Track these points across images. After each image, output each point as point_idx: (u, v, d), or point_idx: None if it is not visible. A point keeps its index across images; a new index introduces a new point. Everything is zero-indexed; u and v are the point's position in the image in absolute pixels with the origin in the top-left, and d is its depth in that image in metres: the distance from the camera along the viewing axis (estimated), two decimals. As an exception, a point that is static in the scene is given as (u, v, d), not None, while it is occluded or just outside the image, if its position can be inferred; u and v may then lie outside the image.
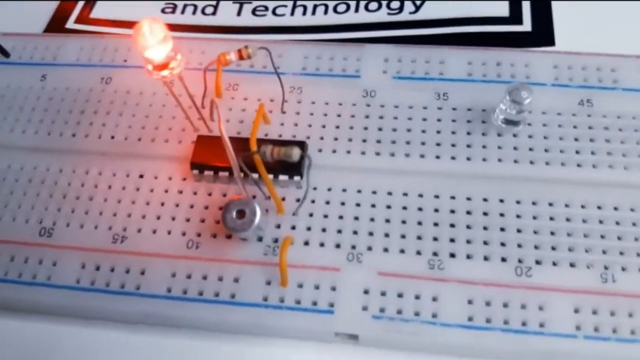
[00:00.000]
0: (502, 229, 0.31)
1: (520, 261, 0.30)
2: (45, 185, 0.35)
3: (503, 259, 0.30)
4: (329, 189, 0.33)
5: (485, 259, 0.30)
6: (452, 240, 0.31)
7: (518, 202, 0.32)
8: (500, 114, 0.33)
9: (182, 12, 0.43)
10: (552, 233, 0.31)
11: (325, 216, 0.32)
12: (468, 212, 0.32)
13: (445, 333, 0.29)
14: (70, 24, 0.43)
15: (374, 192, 0.33)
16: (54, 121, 0.37)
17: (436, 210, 0.32)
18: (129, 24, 0.42)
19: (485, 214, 0.32)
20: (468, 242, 0.31)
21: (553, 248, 0.30)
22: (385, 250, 0.31)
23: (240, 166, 0.31)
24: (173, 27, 0.41)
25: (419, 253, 0.31)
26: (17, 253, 0.33)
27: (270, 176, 0.32)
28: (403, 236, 0.31)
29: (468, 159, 0.33)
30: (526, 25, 0.38)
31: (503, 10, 0.39)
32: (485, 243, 0.31)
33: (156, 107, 0.36)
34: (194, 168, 0.33)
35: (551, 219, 0.31)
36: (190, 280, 0.31)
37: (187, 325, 0.31)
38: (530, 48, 0.37)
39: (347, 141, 0.34)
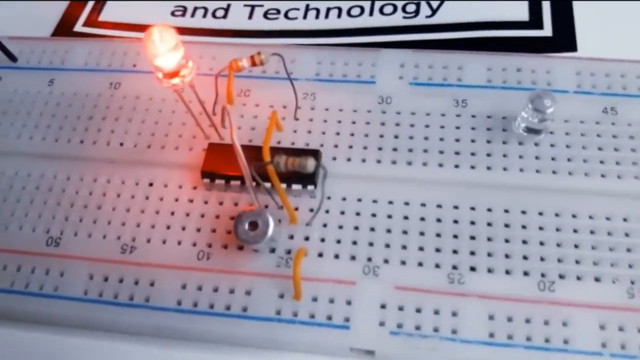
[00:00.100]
0: (524, 242, 0.30)
1: (543, 275, 0.29)
2: (52, 193, 0.33)
3: (525, 273, 0.29)
4: (344, 199, 0.32)
5: (507, 272, 0.29)
6: (472, 253, 0.30)
7: (540, 214, 0.30)
8: (522, 122, 0.31)
9: (193, 15, 0.42)
10: (575, 246, 0.29)
11: (340, 227, 0.31)
12: (489, 224, 0.30)
13: (466, 350, 0.28)
14: (79, 27, 0.42)
15: (391, 202, 0.31)
16: (62, 127, 0.35)
17: (455, 222, 0.30)
18: (138, 27, 0.41)
19: (506, 225, 0.30)
20: (489, 255, 0.29)
21: (577, 262, 0.29)
22: (403, 263, 0.30)
23: (253, 176, 0.29)
24: (183, 31, 0.40)
25: (437, 266, 0.29)
26: (24, 263, 0.32)
27: (283, 185, 0.31)
28: (421, 248, 0.30)
29: (488, 168, 0.32)
30: (547, 30, 0.37)
31: (523, 14, 0.38)
32: (506, 256, 0.29)
33: (166, 113, 0.35)
34: (205, 177, 0.32)
35: (574, 231, 0.30)
36: (201, 292, 0.30)
37: (197, 338, 0.30)
38: (551, 54, 0.36)
39: (362, 149, 0.33)
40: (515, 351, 0.27)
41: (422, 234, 0.30)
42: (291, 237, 0.31)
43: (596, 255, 0.29)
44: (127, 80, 0.37)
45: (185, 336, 0.30)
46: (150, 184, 0.33)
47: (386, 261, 0.30)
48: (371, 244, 0.30)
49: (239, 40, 0.39)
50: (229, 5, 0.42)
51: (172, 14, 0.42)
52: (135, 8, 0.42)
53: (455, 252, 0.30)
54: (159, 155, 0.34)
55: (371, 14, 0.39)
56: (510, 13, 0.38)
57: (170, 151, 0.34)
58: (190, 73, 0.29)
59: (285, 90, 0.34)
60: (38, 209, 0.33)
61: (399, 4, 0.40)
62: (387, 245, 0.30)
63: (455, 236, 0.30)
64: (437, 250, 0.30)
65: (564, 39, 0.36)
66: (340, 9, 0.40)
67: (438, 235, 0.30)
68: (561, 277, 0.29)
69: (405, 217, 0.31)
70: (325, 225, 0.31)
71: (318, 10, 0.40)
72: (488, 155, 0.32)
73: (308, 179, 0.31)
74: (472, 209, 0.31)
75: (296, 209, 0.31)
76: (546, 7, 0.38)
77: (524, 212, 0.30)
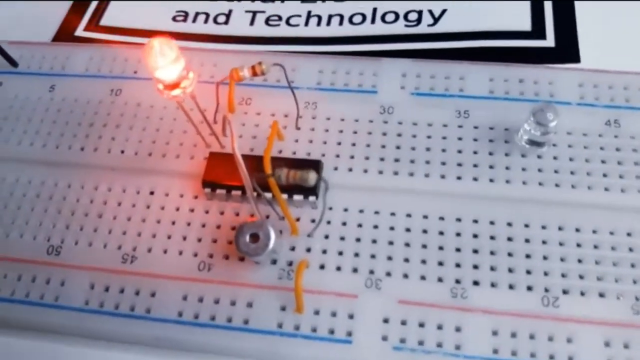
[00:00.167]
0: (527, 256, 0.29)
1: (546, 290, 0.28)
2: (53, 201, 0.33)
3: (529, 288, 0.28)
4: (345, 210, 0.31)
5: (511, 287, 0.28)
6: (475, 267, 0.29)
7: (544, 227, 0.29)
8: (525, 134, 0.30)
9: (194, 20, 0.41)
10: (579, 261, 0.29)
11: (342, 238, 0.30)
12: (492, 237, 0.29)
13: (469, 365, 0.27)
14: (80, 31, 0.41)
15: (393, 214, 0.30)
16: (63, 134, 0.35)
17: (458, 235, 0.30)
18: (140, 32, 0.40)
19: (509, 239, 0.29)
20: (492, 269, 0.29)
21: (581, 277, 0.28)
22: (405, 276, 0.29)
23: (254, 187, 0.28)
24: (184, 36, 0.40)
25: (440, 280, 0.29)
26: (24, 272, 0.31)
27: (285, 196, 0.30)
28: (424, 261, 0.29)
29: (491, 180, 0.31)
30: (549, 41, 0.36)
31: (525, 24, 0.37)
32: (510, 270, 0.29)
33: (167, 120, 0.34)
34: (206, 186, 0.31)
35: (578, 245, 0.29)
36: (202, 304, 0.29)
37: (198, 350, 0.29)
38: (554, 64, 0.35)
39: (363, 159, 0.32)
40: (520, 367, 0.27)
41: (424, 246, 0.29)
42: (293, 248, 0.30)
43: (600, 271, 0.28)
44: (128, 87, 0.36)
45: (186, 348, 0.29)
46: (152, 193, 0.32)
47: (389, 274, 0.29)
48: (373, 256, 0.29)
49: (240, 47, 0.38)
50: (230, 11, 0.41)
51: (174, 19, 0.41)
52: (137, 13, 0.41)
53: (458, 265, 0.29)
54: (160, 163, 0.33)
55: (373, 21, 0.38)
56: (512, 23, 0.37)
57: (172, 159, 0.33)
58: (191, 84, 0.28)
59: (287, 98, 0.33)
60: (39, 217, 0.32)
61: (401, 12, 0.39)
62: (390, 258, 0.29)
63: (457, 249, 0.29)
64: (440, 263, 0.29)
65: (566, 49, 0.35)
66: (342, 17, 0.39)
67: (440, 248, 0.29)
68: (565, 292, 0.28)
69: (408, 229, 0.30)
70: (327, 237, 0.30)
71: (320, 18, 0.39)
72: (490, 167, 0.31)
73: (310, 190, 0.30)
74: (475, 221, 0.30)
75: (297, 219, 0.31)
76: (549, 18, 0.37)
77: (527, 226, 0.29)
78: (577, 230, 0.29)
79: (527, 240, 0.29)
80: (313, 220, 0.30)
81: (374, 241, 0.30)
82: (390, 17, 0.38)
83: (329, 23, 0.39)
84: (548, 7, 0.37)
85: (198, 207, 0.32)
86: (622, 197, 0.30)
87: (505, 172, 0.31)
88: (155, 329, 0.29)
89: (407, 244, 0.30)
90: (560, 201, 0.30)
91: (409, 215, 0.30)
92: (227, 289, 0.29)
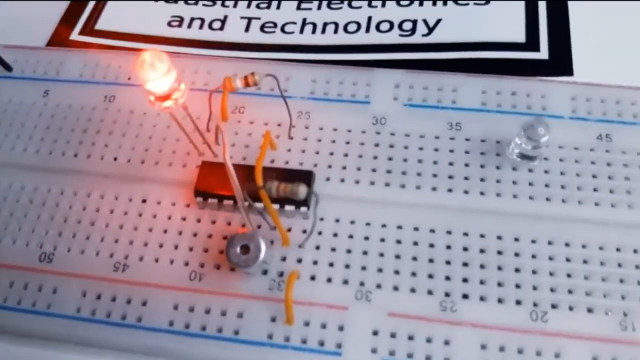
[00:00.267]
0: (517, 270, 0.29)
1: (535, 305, 0.28)
2: (46, 207, 0.32)
3: (518, 302, 0.28)
4: (337, 220, 0.31)
5: (500, 301, 0.28)
6: (465, 280, 0.29)
7: (533, 242, 0.29)
8: (516, 148, 0.30)
9: (189, 26, 0.40)
10: (568, 275, 0.28)
11: (333, 249, 0.30)
12: (481, 251, 0.29)
13: (458, 379, 0.27)
14: (75, 35, 0.41)
15: (384, 226, 0.30)
16: (56, 140, 0.34)
17: (448, 247, 0.29)
18: (135, 37, 0.40)
19: (499, 252, 0.29)
20: (482, 282, 0.29)
21: (570, 291, 0.28)
22: (395, 288, 0.29)
23: (245, 198, 0.28)
24: (179, 42, 0.39)
25: (430, 293, 0.29)
26: (16, 278, 0.31)
27: (277, 206, 0.30)
28: (414, 274, 0.29)
29: (482, 193, 0.31)
30: (543, 53, 0.36)
31: (519, 35, 0.36)
32: (499, 284, 0.28)
33: (160, 128, 0.34)
34: (198, 195, 0.31)
35: (567, 260, 0.29)
36: (193, 313, 0.29)
37: (189, 360, 0.29)
38: (547, 77, 0.34)
39: (355, 170, 0.32)
40: (507, 381, 0.27)
41: (414, 259, 0.29)
42: (284, 259, 0.30)
43: (589, 286, 0.28)
44: (121, 94, 0.35)
45: (177, 357, 0.29)
46: (144, 201, 0.32)
47: (379, 286, 0.29)
48: (364, 268, 0.29)
49: (234, 54, 0.38)
50: (226, 17, 0.40)
51: (169, 24, 0.40)
52: (132, 18, 0.41)
53: (448, 278, 0.29)
54: (152, 171, 0.33)
55: (368, 30, 0.38)
56: (507, 34, 0.37)
57: (164, 167, 0.33)
58: (182, 95, 0.28)
59: (280, 107, 0.32)
60: (32, 223, 0.32)
61: (396, 22, 0.38)
62: (380, 270, 0.29)
63: (447, 262, 0.29)
64: (430, 276, 0.29)
65: (560, 62, 0.35)
66: (337, 25, 0.39)
67: (431, 260, 0.29)
68: (554, 307, 0.28)
69: (398, 241, 0.30)
70: (318, 248, 0.30)
71: (315, 25, 0.39)
72: (481, 180, 0.31)
73: (301, 201, 0.30)
74: (465, 234, 0.30)
75: (289, 229, 0.30)
76: (543, 30, 0.36)
77: (516, 240, 0.29)
78: (567, 244, 0.29)
79: (516, 254, 0.29)
80: (304, 231, 0.30)
81: (365, 253, 0.30)
82: (385, 27, 0.38)
83: (324, 31, 0.39)
84: (542, 20, 0.37)
85: (190, 216, 0.31)
86: (612, 212, 0.30)
87: (496, 185, 0.31)
88: (146, 338, 0.29)
89: (398, 256, 0.29)
90: (551, 215, 0.30)
91: (399, 227, 0.30)
92: (218, 299, 0.29)
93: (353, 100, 0.34)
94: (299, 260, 0.30)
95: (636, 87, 0.33)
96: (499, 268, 0.29)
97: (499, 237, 0.29)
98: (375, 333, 0.28)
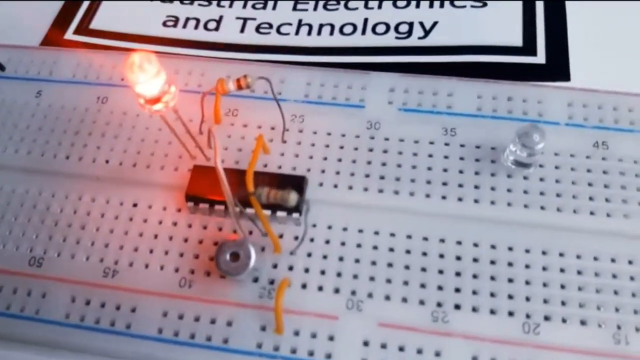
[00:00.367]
0: (510, 280, 0.28)
1: (528, 316, 0.27)
2: (37, 210, 0.32)
3: (510, 313, 0.27)
4: (329, 227, 0.30)
5: (492, 312, 0.28)
6: (457, 290, 0.28)
7: (527, 251, 0.29)
8: (510, 155, 0.30)
9: (184, 26, 0.40)
10: (562, 286, 0.28)
11: (325, 257, 0.29)
12: (475, 260, 0.29)
13: (449, 391, 0.26)
14: (69, 34, 0.40)
15: (376, 233, 0.30)
16: (48, 141, 0.34)
17: (441, 256, 0.29)
18: (130, 37, 0.40)
19: (492, 262, 0.29)
20: (474, 293, 0.28)
21: (563, 303, 0.28)
22: (387, 298, 0.28)
23: (236, 204, 0.28)
24: (174, 42, 0.39)
25: (422, 303, 0.28)
26: (6, 283, 0.30)
27: (268, 212, 0.29)
28: (406, 283, 0.28)
29: (476, 201, 0.30)
30: (540, 57, 0.35)
31: (516, 39, 0.36)
32: (492, 295, 0.28)
33: (153, 130, 0.33)
34: (189, 200, 0.30)
35: (561, 270, 0.28)
36: (182, 321, 0.28)
37: (178, 368, 0.28)
38: (543, 82, 0.34)
39: (349, 176, 0.31)
40: (499, 394, 0.26)
41: (407, 267, 0.29)
42: (275, 266, 0.29)
43: (583, 297, 0.28)
44: (114, 95, 0.35)
45: (166, 365, 0.28)
46: (135, 205, 0.31)
47: (370, 295, 0.28)
48: (355, 277, 0.29)
49: (229, 55, 0.37)
50: (221, 17, 0.40)
51: (164, 24, 0.40)
52: (127, 17, 0.40)
53: (440, 288, 0.28)
54: (144, 174, 0.32)
55: (364, 32, 0.37)
56: (504, 38, 0.36)
57: (156, 171, 0.32)
58: (173, 98, 0.27)
59: (274, 110, 0.32)
60: (22, 227, 0.31)
61: (392, 24, 0.38)
62: (372, 279, 0.29)
63: (440, 271, 0.29)
64: (422, 285, 0.28)
65: (557, 66, 0.34)
66: (332, 27, 0.38)
67: (423, 269, 0.29)
68: (546, 318, 0.27)
69: (391, 249, 0.29)
70: (309, 255, 0.29)
71: (311, 27, 0.38)
72: (476, 187, 0.30)
73: (293, 207, 0.29)
74: (459, 243, 0.29)
75: (281, 236, 0.30)
76: (540, 34, 0.36)
77: (510, 249, 0.29)
78: (561, 255, 0.28)
79: (510, 264, 0.28)
80: (296, 237, 0.30)
81: (357, 260, 0.29)
82: (381, 29, 0.38)
83: (319, 32, 0.38)
84: (540, 24, 0.36)
85: (181, 221, 0.31)
86: (608, 221, 0.29)
87: (490, 192, 0.30)
88: (135, 345, 0.28)
89: (390, 265, 0.29)
90: (545, 224, 0.29)
91: (392, 235, 0.30)
92: (208, 307, 0.29)
93: (347, 105, 0.33)
94: (290, 268, 0.29)
95: (634, 93, 0.32)
96: (492, 278, 0.28)
97: (493, 246, 0.29)
98: (365, 343, 0.27)
